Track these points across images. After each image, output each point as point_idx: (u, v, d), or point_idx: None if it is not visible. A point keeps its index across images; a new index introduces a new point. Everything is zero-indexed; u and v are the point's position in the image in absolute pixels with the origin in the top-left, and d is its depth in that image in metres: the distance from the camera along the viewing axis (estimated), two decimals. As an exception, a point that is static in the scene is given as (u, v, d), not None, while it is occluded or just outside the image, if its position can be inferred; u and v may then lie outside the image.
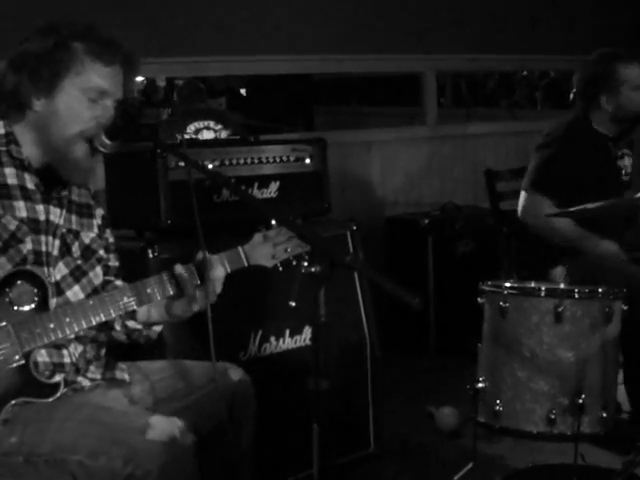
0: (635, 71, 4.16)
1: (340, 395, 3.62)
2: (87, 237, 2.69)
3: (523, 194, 4.15)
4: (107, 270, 2.76)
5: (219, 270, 2.61)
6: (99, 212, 2.79)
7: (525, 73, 10.80)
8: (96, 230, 2.74)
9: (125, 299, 2.50)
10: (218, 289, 2.62)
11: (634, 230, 4.18)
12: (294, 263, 2.70)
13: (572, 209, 3.73)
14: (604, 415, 3.33)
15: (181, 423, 2.45)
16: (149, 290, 2.54)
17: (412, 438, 4.26)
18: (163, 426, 2.41)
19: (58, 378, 2.49)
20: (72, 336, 2.55)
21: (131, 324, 2.72)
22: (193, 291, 2.58)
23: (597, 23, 6.64)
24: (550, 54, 6.72)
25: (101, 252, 2.74)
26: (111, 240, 2.82)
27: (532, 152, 4.22)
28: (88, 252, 2.69)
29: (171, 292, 2.58)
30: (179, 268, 2.57)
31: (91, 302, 2.47)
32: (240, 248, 2.67)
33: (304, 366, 3.01)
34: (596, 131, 4.21)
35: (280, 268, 2.72)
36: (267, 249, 2.69)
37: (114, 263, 2.80)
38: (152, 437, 2.38)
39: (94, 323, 2.46)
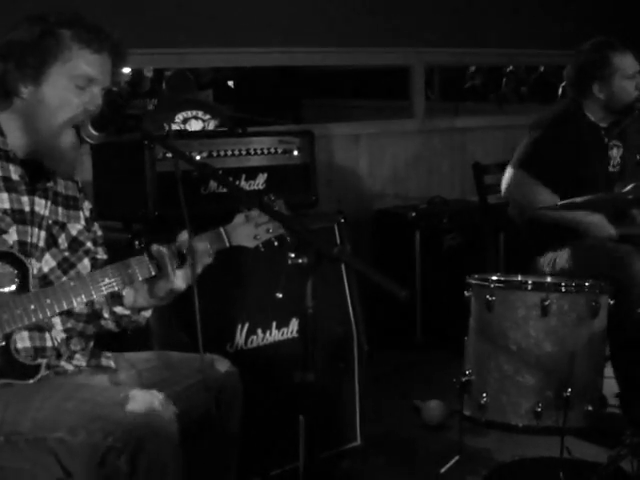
0: (628, 60, 4.17)
1: (326, 388, 3.62)
2: (74, 229, 2.69)
3: (509, 170, 4.16)
4: (95, 263, 2.73)
5: (202, 251, 2.59)
6: (86, 205, 2.78)
7: (511, 68, 10.80)
8: (83, 222, 2.73)
9: (106, 279, 2.48)
10: (199, 270, 2.60)
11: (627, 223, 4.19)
12: (275, 244, 2.69)
13: (560, 203, 3.74)
14: (590, 409, 3.34)
15: (161, 395, 2.44)
16: (130, 270, 2.52)
17: (398, 431, 4.27)
18: (143, 398, 2.41)
19: (40, 361, 2.49)
20: (56, 320, 2.55)
21: (119, 310, 2.70)
22: (173, 271, 2.56)
23: (587, 16, 6.64)
24: (540, 48, 6.72)
25: (89, 244, 2.72)
26: (99, 233, 2.81)
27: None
28: (75, 244, 2.68)
29: (153, 272, 2.55)
30: (156, 247, 2.55)
31: (72, 283, 2.46)
32: (222, 228, 2.65)
33: (291, 358, 3.01)
34: (588, 119, 4.22)
35: (262, 249, 2.70)
36: (249, 229, 2.67)
37: (102, 256, 2.78)
38: (131, 409, 2.37)
39: (75, 304, 2.44)
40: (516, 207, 4.22)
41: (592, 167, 4.15)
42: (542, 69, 10.45)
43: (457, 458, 3.61)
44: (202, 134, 4.62)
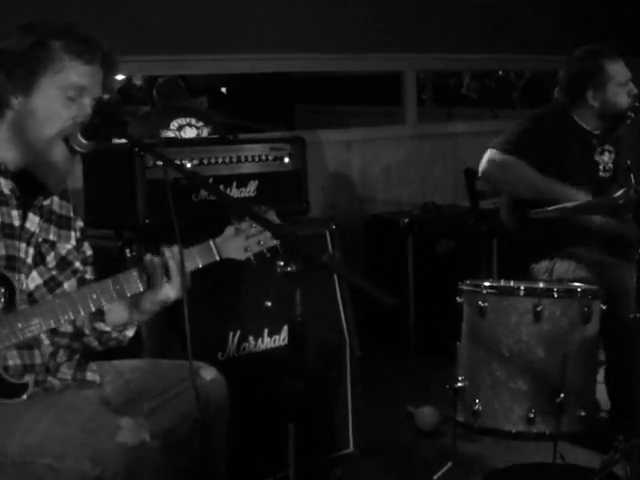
0: (620, 68, 4.18)
1: (319, 395, 3.61)
2: (63, 248, 2.66)
3: (492, 150, 4.15)
4: (82, 283, 2.69)
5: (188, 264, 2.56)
6: (78, 224, 2.75)
7: (501, 73, 10.81)
8: (73, 242, 2.70)
9: (94, 296, 2.45)
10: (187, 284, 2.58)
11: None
12: (268, 256, 2.66)
13: (551, 208, 3.73)
14: (583, 414, 3.34)
15: (150, 426, 2.44)
16: (118, 287, 2.49)
17: (391, 438, 4.26)
18: (132, 429, 2.39)
19: (28, 379, 2.47)
20: (43, 336, 2.53)
21: (99, 326, 2.66)
22: (162, 285, 2.53)
23: (579, 23, 6.65)
24: (530, 54, 6.73)
25: (77, 264, 2.70)
26: (89, 253, 2.78)
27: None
28: (64, 263, 2.65)
29: (141, 288, 2.53)
30: (150, 257, 2.53)
31: (58, 301, 2.44)
32: (211, 241, 2.60)
33: (283, 366, 3.01)
34: (577, 123, 4.22)
35: (253, 261, 2.68)
36: (239, 242, 2.62)
37: (90, 276, 2.75)
38: (121, 440, 2.36)
39: (62, 322, 2.43)
40: (491, 184, 4.26)
41: (575, 168, 4.14)
42: (528, 75, 10.45)
43: (450, 464, 3.60)
44: (193, 141, 4.63)
